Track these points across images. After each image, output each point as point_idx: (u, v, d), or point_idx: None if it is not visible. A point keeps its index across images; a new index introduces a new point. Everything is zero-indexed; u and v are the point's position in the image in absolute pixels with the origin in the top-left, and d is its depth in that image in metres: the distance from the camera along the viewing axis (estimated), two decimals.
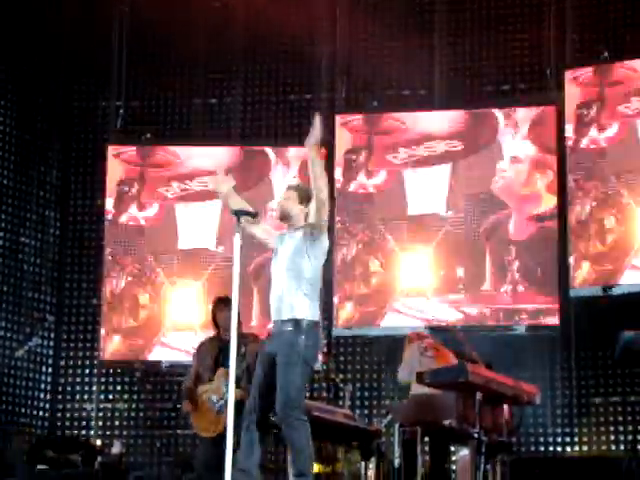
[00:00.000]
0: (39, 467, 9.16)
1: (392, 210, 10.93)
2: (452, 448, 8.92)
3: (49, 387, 11.14)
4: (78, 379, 11.21)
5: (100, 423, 11.02)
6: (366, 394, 10.74)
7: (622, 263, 10.12)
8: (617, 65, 10.47)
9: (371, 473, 7.81)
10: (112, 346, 10.88)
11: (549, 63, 10.79)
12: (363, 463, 7.81)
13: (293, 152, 11.22)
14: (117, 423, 11.03)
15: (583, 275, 10.26)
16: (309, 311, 5.97)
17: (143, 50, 11.47)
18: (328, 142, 11.11)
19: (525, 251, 10.51)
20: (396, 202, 10.93)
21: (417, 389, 7.67)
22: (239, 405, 6.23)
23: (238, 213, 6.18)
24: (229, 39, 11.34)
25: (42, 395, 11.10)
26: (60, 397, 11.15)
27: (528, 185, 10.63)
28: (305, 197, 6.17)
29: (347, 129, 11.14)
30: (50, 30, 11.31)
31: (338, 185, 11.00)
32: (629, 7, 10.70)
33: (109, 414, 11.07)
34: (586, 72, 10.58)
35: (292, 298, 5.96)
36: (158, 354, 10.87)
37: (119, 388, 11.17)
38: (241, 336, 6.53)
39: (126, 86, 11.50)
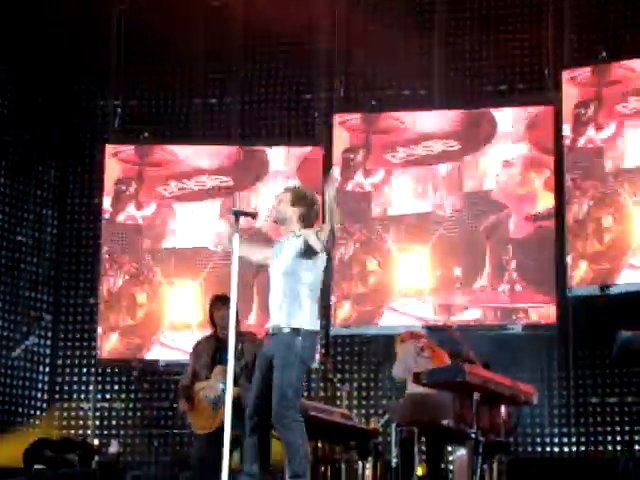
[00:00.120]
0: (36, 467, 9.16)
1: (389, 209, 10.93)
2: (449, 448, 8.94)
3: (46, 386, 11.14)
4: (75, 378, 11.21)
5: (97, 422, 11.02)
6: (363, 394, 10.74)
7: (620, 262, 10.12)
8: (615, 65, 10.48)
9: (368, 473, 7.82)
10: (109, 345, 10.88)
11: (547, 63, 10.79)
12: (360, 463, 7.83)
13: (292, 152, 11.22)
14: (114, 422, 11.03)
15: (581, 274, 10.26)
16: (307, 319, 5.96)
17: (142, 49, 11.46)
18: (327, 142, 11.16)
19: (523, 250, 10.51)
20: (393, 201, 10.93)
21: (414, 389, 7.67)
22: (236, 402, 6.24)
23: (237, 213, 6.17)
24: (228, 39, 11.33)
25: (39, 394, 11.10)
26: (57, 396, 11.14)
27: (524, 185, 10.63)
28: (298, 199, 6.16)
29: (345, 128, 11.14)
30: (49, 30, 11.30)
31: (336, 184, 10.98)
32: (627, 7, 10.70)
33: (106, 413, 11.07)
34: (584, 72, 10.59)
35: (290, 306, 5.96)
36: (155, 353, 10.87)
37: (116, 387, 11.17)
38: (238, 334, 6.54)
39: (124, 85, 11.49)
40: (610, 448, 10.09)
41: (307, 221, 6.13)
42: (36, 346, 11.01)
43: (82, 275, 11.33)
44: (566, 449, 10.28)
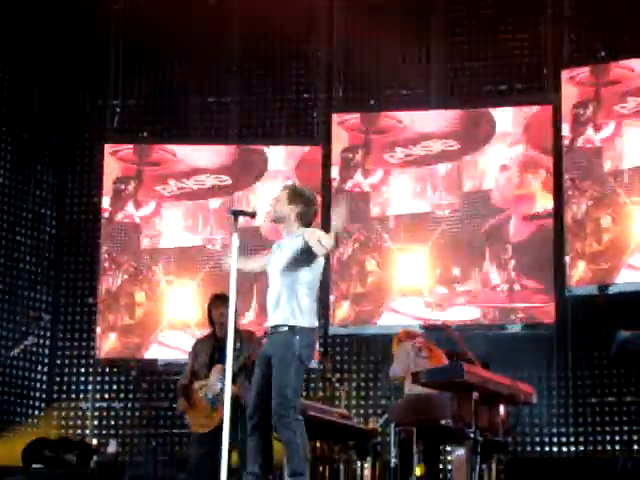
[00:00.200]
0: (35, 466, 9.15)
1: (388, 209, 10.93)
2: (448, 448, 8.94)
3: (45, 386, 11.13)
4: (74, 378, 11.20)
5: (96, 422, 11.01)
6: (362, 393, 10.73)
7: (618, 262, 10.12)
8: (614, 65, 10.48)
9: (367, 472, 7.82)
10: (108, 344, 10.87)
11: (546, 63, 10.79)
12: (359, 463, 7.83)
13: (291, 151, 11.22)
14: (113, 422, 11.02)
15: (579, 274, 10.26)
16: (305, 317, 5.97)
17: (140, 49, 11.44)
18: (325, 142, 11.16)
19: (521, 250, 10.51)
20: (391, 201, 10.93)
21: (413, 389, 7.67)
22: (234, 401, 6.24)
23: (236, 213, 6.18)
24: (226, 38, 11.32)
25: (38, 394, 11.09)
26: (56, 396, 11.14)
27: (522, 187, 10.63)
28: (295, 197, 6.16)
29: (344, 128, 11.13)
30: (48, 29, 11.29)
31: (335, 184, 11.01)
32: (626, 7, 10.68)
33: (105, 413, 11.06)
34: (583, 72, 10.58)
35: (288, 305, 5.96)
36: (154, 352, 10.86)
37: (115, 387, 11.16)
38: (237, 333, 6.54)
39: (123, 85, 11.48)
40: (609, 448, 10.09)
41: (305, 219, 6.14)
42: (35, 346, 11.00)
43: (81, 275, 11.33)
44: (565, 449, 10.28)
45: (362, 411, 10.58)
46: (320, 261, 6.07)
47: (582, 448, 10.19)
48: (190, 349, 7.98)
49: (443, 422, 7.24)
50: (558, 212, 10.44)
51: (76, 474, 9.17)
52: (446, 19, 11.14)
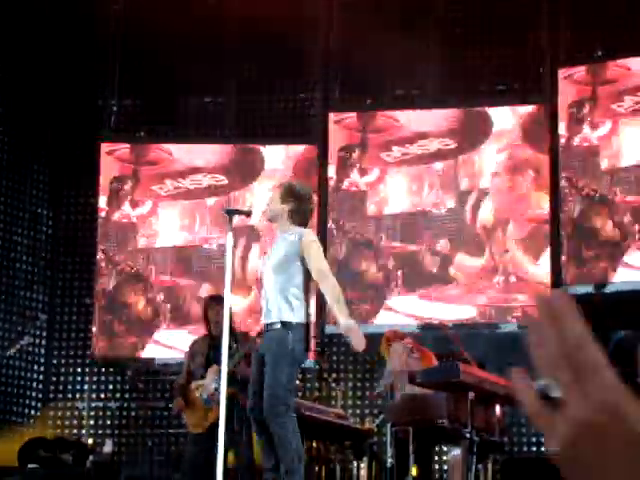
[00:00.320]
0: (30, 466, 9.14)
1: (385, 207, 10.92)
2: (444, 448, 8.94)
3: (41, 386, 11.12)
4: (70, 378, 11.20)
5: (92, 422, 11.00)
6: (358, 393, 10.73)
7: (615, 261, 10.12)
8: (610, 64, 10.47)
9: (363, 473, 7.82)
10: (104, 344, 10.87)
11: (542, 61, 10.79)
12: (355, 463, 7.83)
13: (287, 150, 11.21)
14: (109, 422, 11.02)
15: (575, 273, 10.26)
16: (297, 313, 5.97)
17: (138, 49, 11.42)
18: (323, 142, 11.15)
19: (518, 249, 10.51)
20: (389, 199, 10.92)
21: (408, 389, 7.67)
22: (230, 401, 6.25)
23: (231, 212, 6.18)
24: (223, 37, 11.31)
25: (34, 394, 11.09)
26: (52, 396, 11.13)
27: (520, 185, 10.63)
28: (287, 195, 6.13)
29: (341, 127, 11.13)
30: (46, 29, 11.28)
31: (331, 182, 11.00)
32: (623, 5, 10.68)
33: (101, 413, 11.05)
34: (579, 71, 10.58)
35: (281, 302, 5.96)
36: (151, 352, 10.86)
37: (111, 387, 11.16)
38: (232, 334, 6.54)
39: (120, 84, 11.47)
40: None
41: (296, 217, 6.09)
42: (31, 345, 11.00)
43: (77, 274, 11.32)
44: None
45: (358, 411, 10.57)
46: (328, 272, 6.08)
47: None
48: (186, 349, 7.99)
49: (439, 422, 7.24)
50: (554, 211, 10.43)
51: (72, 474, 9.17)
52: (443, 18, 11.12)
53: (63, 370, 11.20)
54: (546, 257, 10.38)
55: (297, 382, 6.66)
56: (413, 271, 10.73)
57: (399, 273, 10.76)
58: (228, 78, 11.45)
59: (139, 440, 10.83)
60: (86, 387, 11.13)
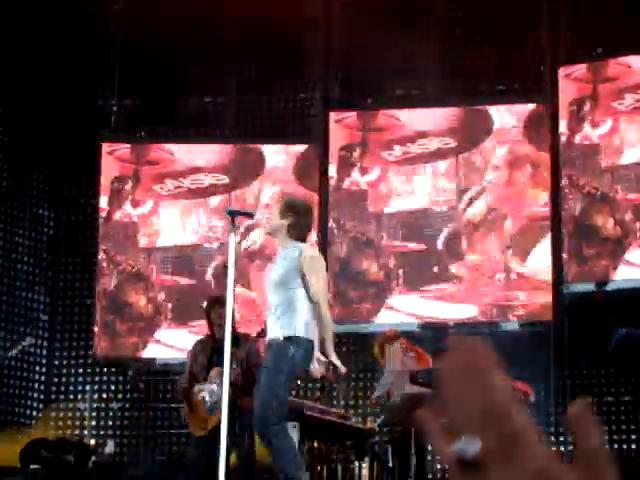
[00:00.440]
0: (32, 467, 9.15)
1: (386, 206, 10.93)
2: None
3: (42, 386, 11.13)
4: (72, 378, 11.20)
5: (94, 422, 11.00)
6: (360, 393, 10.72)
7: (616, 259, 10.12)
8: (611, 61, 10.46)
9: (365, 472, 7.82)
10: (106, 345, 10.86)
11: (543, 59, 10.78)
12: (357, 462, 7.83)
13: (288, 150, 11.21)
14: (111, 422, 11.02)
15: (577, 271, 10.25)
16: (301, 327, 5.97)
17: (138, 49, 11.42)
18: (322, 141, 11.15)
19: (518, 247, 10.50)
20: (390, 198, 10.92)
21: (409, 389, 7.67)
22: (232, 404, 6.25)
23: (232, 213, 6.19)
24: (223, 37, 11.30)
25: (35, 394, 11.09)
26: (54, 396, 11.13)
27: (520, 184, 10.63)
28: (286, 210, 6.13)
29: (341, 126, 11.13)
30: (46, 29, 11.28)
31: (332, 182, 11.01)
32: (624, 3, 10.67)
33: (103, 413, 11.05)
34: (580, 68, 10.58)
35: (284, 316, 5.97)
36: (152, 352, 10.86)
37: (113, 387, 11.16)
38: (234, 335, 6.55)
39: (121, 84, 11.47)
40: (607, 447, 10.05)
41: (294, 232, 6.09)
42: (32, 346, 11.00)
43: (79, 275, 11.32)
44: (562, 448, 10.27)
45: (360, 411, 10.57)
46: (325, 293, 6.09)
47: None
48: (189, 349, 7.98)
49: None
50: (555, 208, 10.43)
51: (74, 475, 9.17)
52: (444, 17, 11.12)
53: (65, 371, 11.20)
54: (547, 255, 10.38)
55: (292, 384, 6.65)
56: (414, 270, 10.73)
57: (400, 272, 10.76)
58: (228, 78, 11.44)
59: (141, 441, 10.85)
60: (88, 388, 11.13)
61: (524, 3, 11.01)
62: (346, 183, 11.03)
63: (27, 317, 11.02)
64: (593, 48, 10.53)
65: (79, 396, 11.11)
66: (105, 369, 11.14)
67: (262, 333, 6.83)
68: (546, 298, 10.32)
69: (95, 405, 11.05)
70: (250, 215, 6.86)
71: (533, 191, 10.57)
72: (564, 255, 10.29)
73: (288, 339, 5.93)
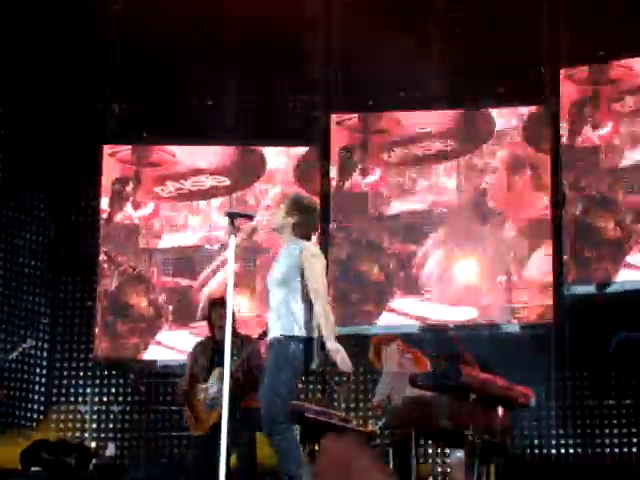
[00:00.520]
0: (33, 469, 9.16)
1: (387, 208, 10.92)
2: (447, 450, 8.94)
3: (43, 388, 11.12)
4: (73, 380, 11.19)
5: (95, 425, 11.00)
6: (361, 396, 10.71)
7: (617, 261, 10.11)
8: (612, 63, 10.46)
9: None
10: (107, 346, 10.86)
11: (544, 61, 10.78)
12: None
13: (289, 151, 11.21)
14: (111, 425, 11.01)
15: (577, 273, 10.24)
16: (302, 328, 5.97)
17: (139, 49, 11.42)
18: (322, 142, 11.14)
19: (519, 249, 10.50)
20: (389, 201, 10.92)
21: (409, 391, 7.66)
22: (232, 403, 6.26)
23: (232, 215, 6.18)
24: (223, 37, 11.30)
25: (36, 397, 11.08)
26: (55, 399, 11.13)
27: (520, 185, 10.63)
28: (292, 208, 6.13)
29: (342, 128, 11.13)
30: (46, 29, 11.28)
31: (333, 183, 11.01)
32: (625, 5, 10.66)
33: (104, 416, 11.05)
34: (581, 70, 10.57)
35: (285, 315, 5.97)
36: (153, 353, 10.85)
37: (113, 389, 11.15)
38: (235, 337, 6.55)
39: (122, 85, 11.47)
40: (607, 451, 10.06)
41: (300, 230, 6.10)
42: (33, 349, 10.99)
43: (79, 277, 11.30)
44: (563, 451, 10.26)
45: (361, 413, 10.56)
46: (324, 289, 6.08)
47: (581, 450, 10.18)
48: (189, 352, 7.98)
49: (441, 424, 7.24)
50: (556, 210, 10.42)
51: (75, 477, 9.18)
52: (445, 19, 11.11)
53: (65, 373, 11.20)
54: (548, 257, 10.37)
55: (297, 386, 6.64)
56: (415, 271, 10.72)
57: (401, 274, 10.76)
58: (228, 78, 11.44)
59: (142, 443, 10.84)
60: (89, 390, 11.13)
61: (524, 3, 11.00)
62: (347, 185, 11.02)
63: (28, 319, 11.02)
64: (594, 50, 10.53)
65: (80, 398, 11.10)
66: (106, 371, 11.14)
67: (263, 335, 6.83)
68: (547, 300, 10.31)
69: (96, 407, 11.04)
70: (250, 217, 6.83)
71: (534, 193, 10.56)
72: (565, 257, 10.28)
73: (289, 338, 5.93)
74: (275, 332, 6.00)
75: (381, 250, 10.84)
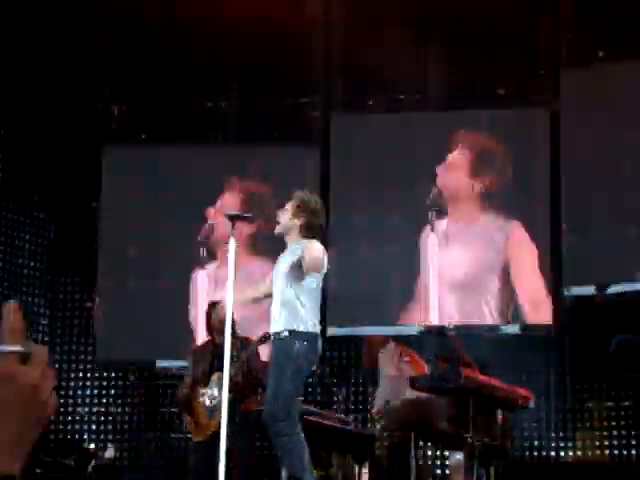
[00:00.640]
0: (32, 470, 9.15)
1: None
2: (446, 452, 8.94)
3: None
4: (72, 382, 11.18)
5: (94, 427, 10.99)
6: (360, 398, 10.69)
7: (615, 262, 10.08)
8: (612, 63, 10.44)
9: (365, 477, 7.82)
10: (106, 348, 10.83)
11: (543, 62, 10.78)
12: (357, 467, 7.82)
13: (289, 153, 11.19)
14: (111, 427, 11.00)
15: (577, 274, 10.22)
16: (305, 323, 5.97)
17: (139, 51, 11.41)
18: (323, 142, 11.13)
19: (518, 251, 10.49)
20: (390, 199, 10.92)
21: (409, 394, 7.67)
22: (232, 407, 6.26)
23: (232, 217, 6.19)
24: (223, 37, 11.29)
25: None
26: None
27: (514, 189, 10.61)
28: (299, 209, 6.13)
29: (342, 128, 11.12)
30: (46, 30, 11.27)
31: (333, 184, 10.99)
32: (624, 7, 10.65)
33: (103, 417, 11.04)
34: (581, 70, 10.55)
35: (289, 312, 5.97)
36: (153, 356, 10.83)
37: (113, 391, 11.14)
38: (235, 339, 6.55)
39: (119, 87, 11.47)
40: (607, 453, 10.06)
41: (307, 231, 6.09)
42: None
43: (79, 278, 11.29)
44: (562, 453, 10.26)
45: (360, 416, 10.54)
46: (321, 272, 6.06)
47: (580, 453, 10.17)
48: (189, 356, 7.97)
49: (441, 427, 7.24)
50: (556, 211, 10.40)
51: (74, 479, 9.18)
52: (445, 21, 11.10)
53: (65, 375, 11.19)
54: (547, 257, 10.36)
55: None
56: (415, 272, 10.71)
57: (403, 274, 10.73)
58: (228, 79, 11.43)
59: (141, 445, 10.83)
60: (88, 392, 11.12)
61: (524, 4, 10.99)
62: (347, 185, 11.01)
63: (27, 321, 10.99)
64: (594, 50, 10.52)
65: (79, 400, 11.09)
66: (105, 373, 11.13)
67: (264, 338, 6.82)
68: (547, 302, 10.29)
69: (95, 409, 11.04)
70: (249, 218, 6.84)
71: (533, 193, 10.55)
72: (564, 258, 10.26)
73: (293, 334, 5.93)
74: (278, 329, 5.99)
75: (382, 249, 10.81)
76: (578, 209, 10.25)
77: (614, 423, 10.07)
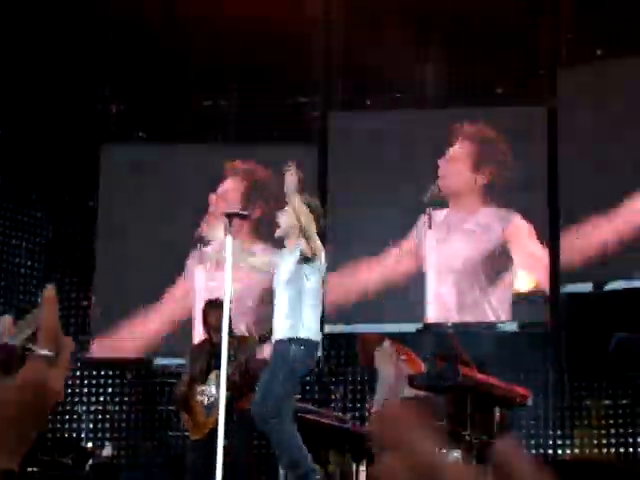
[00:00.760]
0: (29, 469, 9.14)
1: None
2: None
3: None
4: (69, 380, 11.16)
5: (91, 425, 10.98)
6: (358, 396, 10.68)
7: (615, 260, 10.08)
8: (611, 62, 10.44)
9: (362, 476, 7.82)
10: (104, 347, 10.83)
11: (542, 62, 10.78)
12: (354, 466, 7.82)
13: (288, 153, 11.17)
14: (108, 425, 11.00)
15: (574, 271, 10.21)
16: (305, 330, 5.97)
17: (138, 50, 11.41)
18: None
19: (516, 249, 10.49)
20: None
21: (408, 392, 7.67)
22: (230, 406, 6.26)
23: (229, 215, 6.19)
24: (223, 37, 11.29)
25: None
26: None
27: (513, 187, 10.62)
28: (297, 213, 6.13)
29: (341, 127, 11.12)
30: (45, 30, 11.27)
31: (332, 184, 10.99)
32: (624, 6, 10.65)
33: (100, 416, 11.04)
34: (580, 70, 10.55)
35: (291, 317, 5.97)
36: (150, 355, 10.83)
37: (110, 390, 11.13)
38: (232, 338, 6.54)
39: (119, 86, 11.46)
40: (605, 451, 10.06)
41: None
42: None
43: (76, 277, 11.28)
44: (560, 451, 10.26)
45: (358, 414, 10.53)
46: (319, 268, 6.06)
47: (578, 451, 10.17)
48: (186, 355, 7.97)
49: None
50: (554, 208, 10.40)
51: (71, 477, 9.17)
52: (445, 20, 11.10)
53: None
54: (545, 255, 10.36)
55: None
56: (415, 271, 10.71)
57: (402, 272, 10.73)
58: (228, 79, 11.43)
59: (139, 443, 10.83)
60: (85, 390, 11.11)
61: (524, 4, 11.00)
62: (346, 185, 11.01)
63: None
64: (593, 49, 10.52)
65: (76, 398, 11.08)
66: (102, 371, 11.13)
67: (263, 337, 6.83)
68: (543, 299, 10.29)
69: (92, 407, 11.03)
70: (246, 217, 6.85)
71: (533, 192, 10.55)
72: (562, 255, 10.25)
73: (292, 339, 5.94)
74: (279, 333, 6.00)
75: (381, 247, 10.82)
76: (576, 206, 10.24)
77: (612, 421, 10.06)
